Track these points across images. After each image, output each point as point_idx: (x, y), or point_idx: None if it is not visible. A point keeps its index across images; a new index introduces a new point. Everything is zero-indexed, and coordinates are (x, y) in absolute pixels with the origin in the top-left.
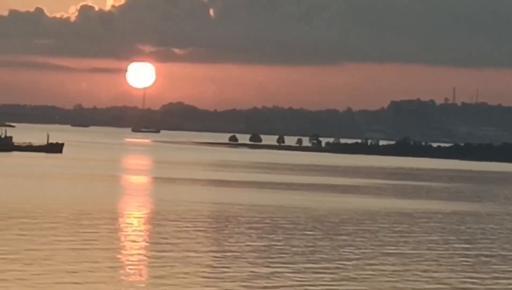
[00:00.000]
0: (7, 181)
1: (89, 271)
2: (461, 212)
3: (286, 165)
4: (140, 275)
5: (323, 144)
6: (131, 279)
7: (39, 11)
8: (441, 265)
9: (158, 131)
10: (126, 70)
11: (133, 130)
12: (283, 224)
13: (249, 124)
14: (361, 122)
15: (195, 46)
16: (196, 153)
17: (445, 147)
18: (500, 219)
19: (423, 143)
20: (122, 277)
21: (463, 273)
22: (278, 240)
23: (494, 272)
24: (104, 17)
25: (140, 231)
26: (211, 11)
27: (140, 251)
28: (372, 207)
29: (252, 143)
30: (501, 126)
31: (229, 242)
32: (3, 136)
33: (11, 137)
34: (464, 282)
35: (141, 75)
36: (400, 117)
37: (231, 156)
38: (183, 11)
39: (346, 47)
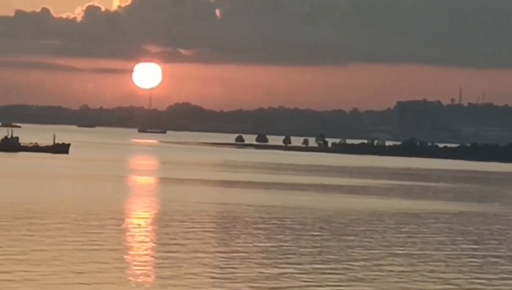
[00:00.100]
0: (14, 182)
1: (97, 272)
2: (468, 212)
3: (292, 165)
4: (148, 275)
5: (329, 145)
6: (138, 280)
7: (45, 11)
8: (448, 265)
9: (164, 132)
10: (132, 71)
11: (139, 131)
12: (291, 224)
13: (256, 125)
14: (367, 122)
15: (201, 46)
16: (202, 154)
17: (451, 148)
18: (507, 220)
19: (429, 144)
20: (130, 278)
21: (470, 274)
22: (286, 241)
23: (502, 272)
24: (110, 17)
25: (147, 231)
26: (218, 12)
27: (147, 252)
28: (379, 207)
29: (258, 143)
30: (508, 127)
31: (237, 243)
32: (9, 137)
33: (17, 138)
34: (472, 283)
35: (147, 76)
36: (406, 118)
37: (237, 157)
38: (190, 12)
39: (353, 48)
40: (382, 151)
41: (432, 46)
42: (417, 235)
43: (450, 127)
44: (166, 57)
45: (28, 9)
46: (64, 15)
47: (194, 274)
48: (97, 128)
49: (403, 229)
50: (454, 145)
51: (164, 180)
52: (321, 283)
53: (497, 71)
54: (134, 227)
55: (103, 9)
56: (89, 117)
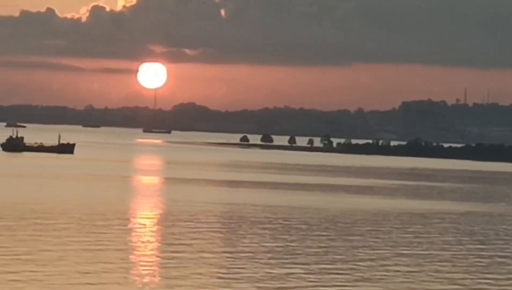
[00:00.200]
0: (19, 182)
1: (103, 272)
2: (473, 212)
3: (298, 165)
4: (154, 276)
5: (334, 145)
6: (144, 280)
7: (50, 11)
8: (455, 265)
9: (169, 132)
10: (137, 71)
11: (144, 131)
12: (296, 224)
13: (261, 125)
14: (373, 122)
15: (206, 46)
16: (207, 154)
17: (456, 148)
18: None
19: (434, 144)
20: (135, 278)
21: (477, 274)
22: (292, 241)
23: (508, 272)
24: (115, 17)
25: (153, 231)
26: (222, 12)
27: (153, 252)
28: (385, 207)
29: (263, 143)
30: None
31: (243, 243)
32: (14, 137)
33: (22, 138)
34: (478, 283)
35: (152, 76)
36: (411, 118)
37: (242, 157)
38: (194, 12)
39: (358, 48)
40: (387, 151)
41: (437, 46)
42: (423, 235)
43: (455, 127)
44: (171, 57)
45: (33, 9)
46: (69, 15)
47: (200, 274)
48: (102, 128)
49: (409, 229)
50: (459, 145)
51: (169, 180)
52: (327, 283)
53: (502, 71)
54: (139, 227)
55: (108, 9)
56: (94, 117)
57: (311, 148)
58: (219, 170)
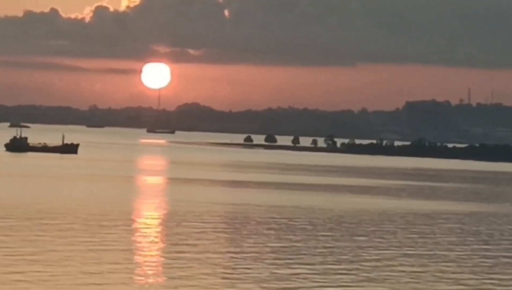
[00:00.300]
0: (23, 182)
1: (108, 272)
2: (478, 212)
3: (302, 165)
4: (159, 276)
5: (338, 145)
6: (149, 280)
7: (54, 11)
8: (460, 266)
9: (173, 132)
10: (141, 71)
11: (148, 131)
12: (301, 225)
13: (264, 125)
14: (376, 122)
15: (210, 46)
16: (211, 154)
17: (460, 148)
18: None
19: (438, 144)
20: (141, 278)
21: (482, 274)
22: (297, 241)
23: None
24: (119, 17)
25: (157, 232)
26: (226, 12)
27: (158, 252)
28: (390, 207)
29: (267, 143)
30: None
31: (248, 243)
32: (18, 137)
33: (26, 138)
34: (484, 283)
35: (156, 76)
36: (415, 118)
37: (246, 157)
38: (198, 12)
39: (361, 48)
40: (391, 151)
41: (441, 46)
42: (428, 236)
43: (459, 127)
44: (174, 57)
45: (36, 9)
46: (72, 16)
47: (205, 274)
48: (106, 128)
49: (413, 230)
50: (463, 145)
51: (173, 180)
52: (333, 283)
53: (506, 71)
54: (144, 228)
55: (111, 9)
56: (98, 118)
57: (315, 148)
58: (223, 170)
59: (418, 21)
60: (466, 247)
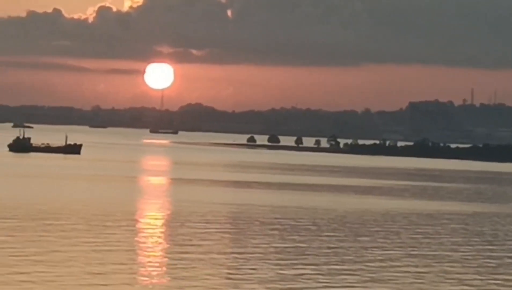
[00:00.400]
0: (26, 182)
1: (112, 273)
2: (482, 213)
3: (305, 166)
4: (163, 276)
5: (341, 145)
6: (153, 281)
7: (57, 12)
8: (464, 266)
9: (176, 132)
10: (144, 71)
11: (151, 131)
12: (305, 225)
13: (267, 125)
14: (379, 123)
15: (213, 47)
16: (214, 154)
17: (463, 148)
18: None
19: (441, 144)
20: (144, 279)
21: (486, 274)
22: (301, 241)
23: None
24: (121, 18)
25: (161, 232)
26: (229, 12)
27: (162, 253)
28: (393, 208)
29: (270, 144)
30: None
31: (252, 243)
32: (21, 137)
33: (29, 138)
34: (488, 283)
35: (159, 76)
36: (418, 118)
37: (249, 157)
38: (201, 12)
39: (365, 48)
40: (394, 151)
41: (444, 47)
42: (432, 236)
43: (462, 127)
44: (177, 58)
45: (40, 9)
46: (75, 16)
47: (209, 275)
48: (109, 129)
49: (417, 230)
50: (466, 146)
51: (176, 181)
52: (337, 283)
53: (509, 72)
54: (148, 228)
55: (114, 9)
56: (101, 118)
57: (318, 149)
58: (226, 170)
59: (421, 21)
60: (470, 247)
